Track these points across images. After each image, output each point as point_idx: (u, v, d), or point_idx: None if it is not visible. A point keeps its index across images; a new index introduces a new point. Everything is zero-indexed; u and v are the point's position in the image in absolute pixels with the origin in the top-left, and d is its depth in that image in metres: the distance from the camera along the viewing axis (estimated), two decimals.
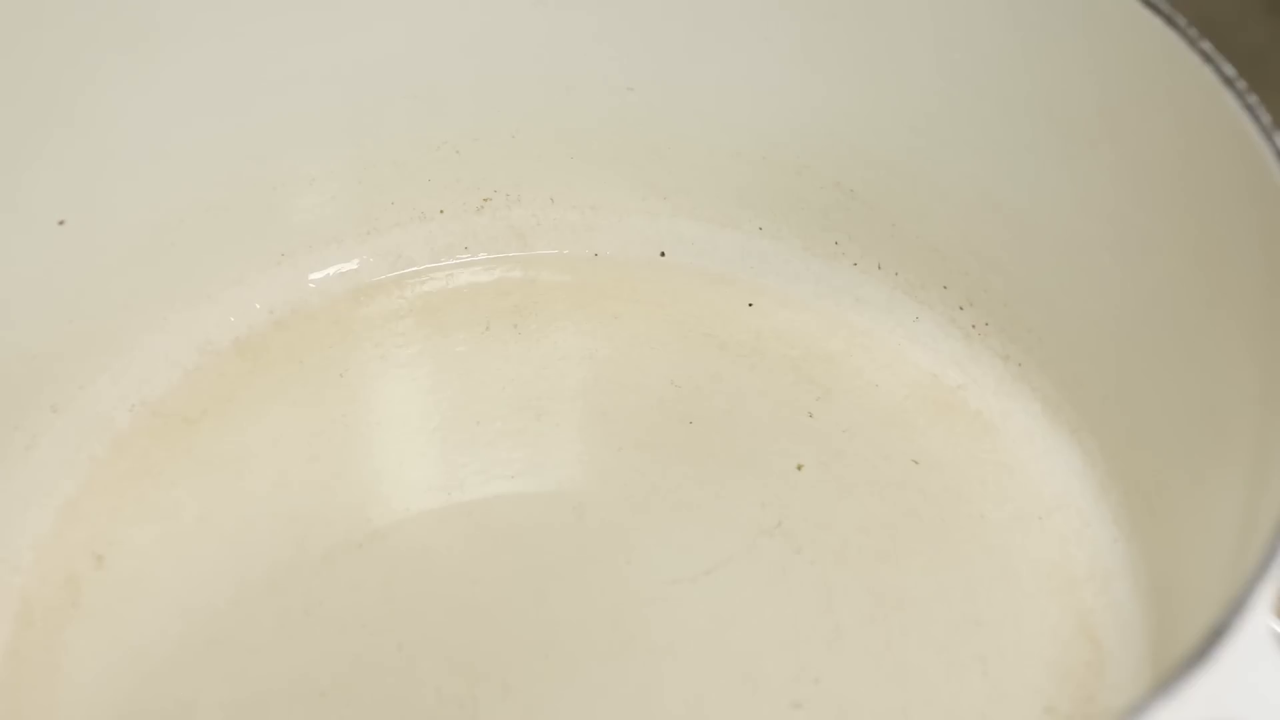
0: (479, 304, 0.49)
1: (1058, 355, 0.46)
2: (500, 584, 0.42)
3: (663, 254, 0.50)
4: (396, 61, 0.47)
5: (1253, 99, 0.37)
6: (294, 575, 0.42)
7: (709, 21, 0.47)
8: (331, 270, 0.49)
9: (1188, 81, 0.38)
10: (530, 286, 0.50)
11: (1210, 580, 0.36)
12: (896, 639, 0.41)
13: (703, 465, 0.45)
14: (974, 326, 0.48)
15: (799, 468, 0.45)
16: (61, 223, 0.44)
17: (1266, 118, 0.37)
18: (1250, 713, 0.30)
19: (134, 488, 0.44)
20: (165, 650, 0.41)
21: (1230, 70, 0.38)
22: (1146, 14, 0.39)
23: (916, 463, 0.45)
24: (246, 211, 0.47)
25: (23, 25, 0.41)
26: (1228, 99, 0.37)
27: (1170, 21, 0.39)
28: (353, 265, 0.49)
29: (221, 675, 0.40)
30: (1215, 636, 0.29)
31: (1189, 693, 0.28)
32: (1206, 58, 0.38)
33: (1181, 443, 0.41)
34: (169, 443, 0.45)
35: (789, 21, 0.46)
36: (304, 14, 0.45)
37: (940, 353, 0.48)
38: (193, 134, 0.45)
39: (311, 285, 0.49)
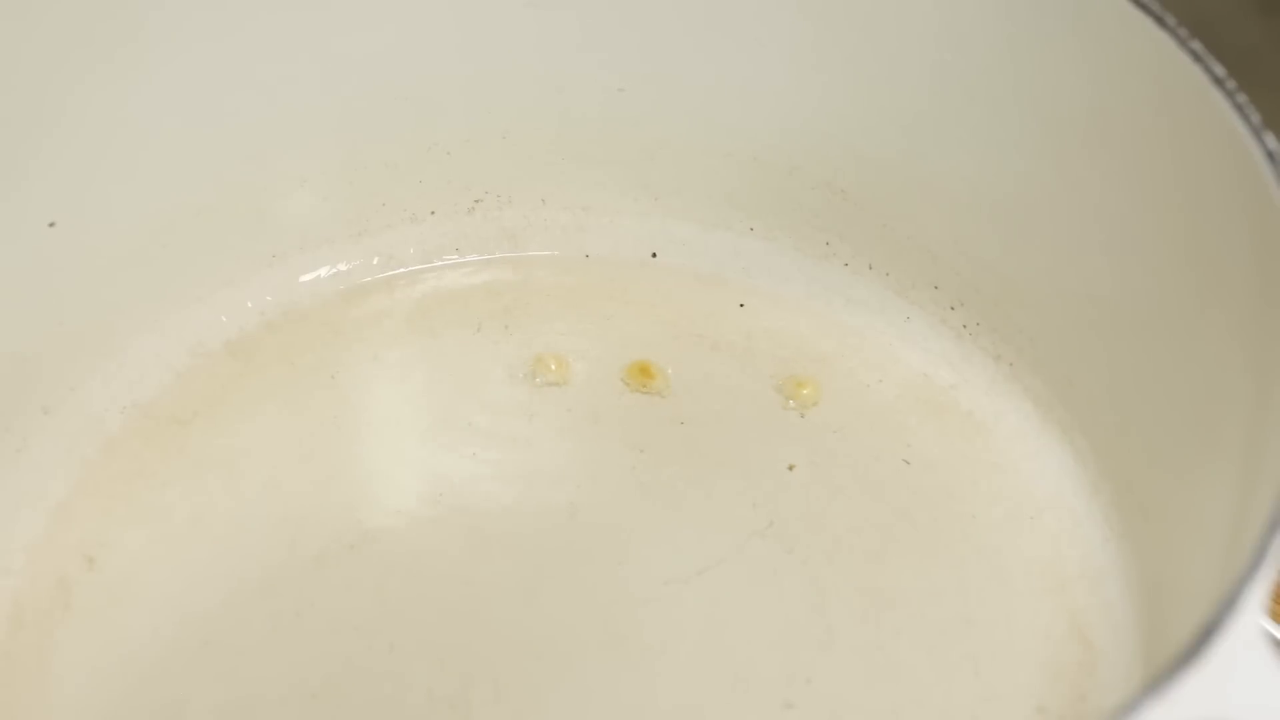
0: (470, 305, 0.49)
1: (1049, 355, 0.46)
2: (492, 585, 0.42)
3: (654, 255, 0.50)
4: (387, 63, 0.47)
5: (1242, 98, 0.37)
6: (286, 576, 0.42)
7: (700, 22, 0.47)
8: (323, 271, 0.49)
9: (1178, 81, 0.39)
10: (521, 288, 0.50)
11: (1201, 579, 0.36)
12: (888, 639, 0.41)
13: (694, 466, 0.45)
14: (965, 326, 0.48)
15: (790, 468, 0.45)
16: (52, 224, 0.44)
17: (1256, 117, 0.37)
18: (1241, 711, 0.30)
19: (125, 490, 0.44)
20: (157, 652, 0.40)
21: (1220, 70, 0.38)
22: (1136, 14, 0.39)
23: (908, 463, 0.45)
24: (237, 213, 0.47)
25: (12, 28, 0.41)
26: (1217, 98, 0.38)
27: (1160, 21, 0.39)
28: (344, 266, 0.49)
29: (213, 677, 0.40)
30: (1206, 635, 0.29)
31: (1180, 691, 0.29)
32: (1196, 57, 0.38)
33: (1172, 442, 0.41)
34: (160, 444, 0.45)
35: (780, 22, 0.46)
36: (295, 16, 0.45)
37: (932, 353, 0.48)
38: (184, 135, 0.45)
39: (303, 286, 0.49)
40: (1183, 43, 0.38)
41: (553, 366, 0.47)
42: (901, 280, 0.49)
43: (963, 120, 0.45)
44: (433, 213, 0.50)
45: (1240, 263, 0.38)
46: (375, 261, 0.50)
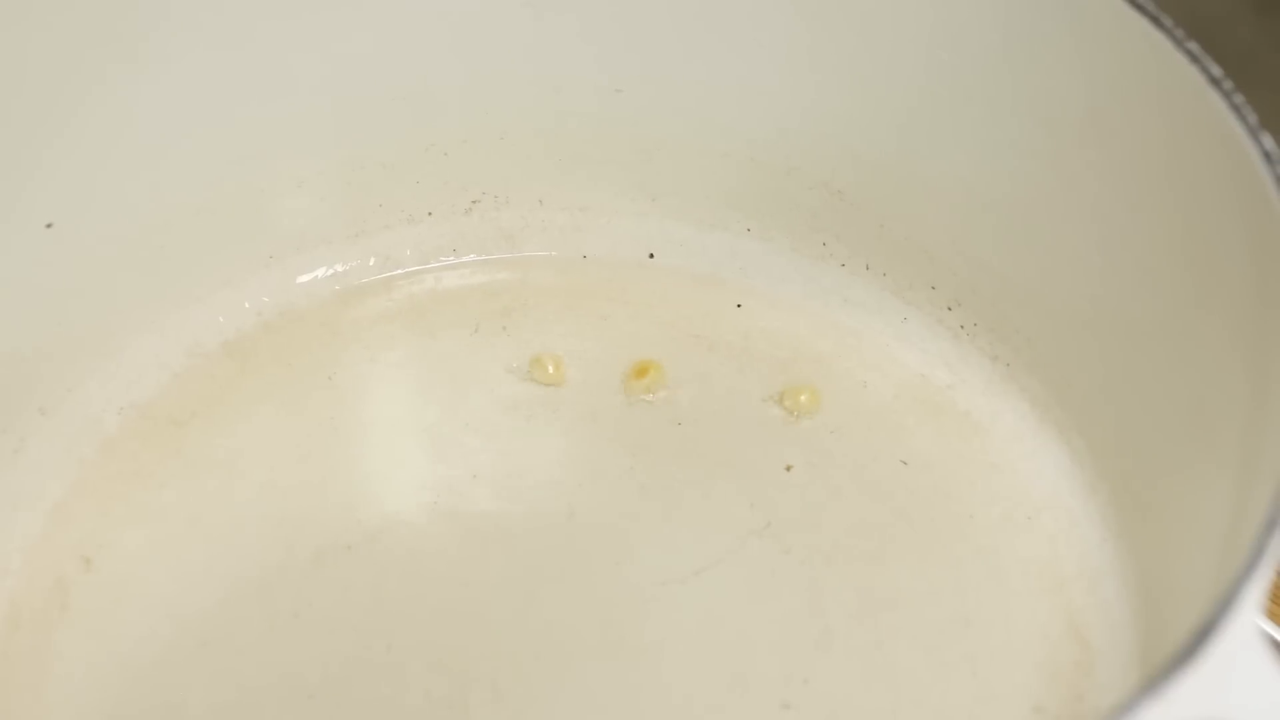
0: (467, 306, 0.49)
1: (1046, 355, 0.46)
2: (490, 585, 0.42)
3: (651, 255, 0.50)
4: (385, 63, 0.47)
5: (1239, 99, 0.37)
6: (283, 577, 0.42)
7: (697, 22, 0.47)
8: (320, 272, 0.49)
9: (1175, 81, 0.39)
10: (519, 288, 0.50)
11: (1198, 579, 0.36)
12: (886, 639, 0.41)
13: (692, 466, 0.45)
14: (962, 327, 0.48)
15: (788, 469, 0.45)
16: (50, 225, 0.44)
17: (1253, 117, 0.37)
18: (1239, 711, 0.30)
19: (123, 490, 0.44)
20: (154, 652, 0.41)
21: (1217, 70, 0.38)
22: (1133, 14, 0.39)
23: (905, 463, 0.45)
24: (235, 214, 0.47)
25: (14, 31, 0.41)
26: (1214, 99, 0.38)
27: (1157, 22, 0.39)
28: (341, 267, 0.49)
29: (210, 677, 0.40)
30: (1203, 635, 0.29)
31: (1177, 691, 0.29)
32: (1193, 58, 0.38)
33: (1169, 442, 0.41)
34: (158, 445, 0.45)
35: (777, 22, 0.46)
36: (293, 18, 0.45)
37: (929, 353, 0.48)
38: (181, 137, 0.45)
39: (300, 287, 0.49)
40: (1179, 43, 0.38)
41: (550, 367, 0.47)
42: (899, 280, 0.49)
43: (960, 120, 0.45)
44: (430, 213, 0.50)
45: (1237, 263, 0.38)
46: (372, 262, 0.50)
